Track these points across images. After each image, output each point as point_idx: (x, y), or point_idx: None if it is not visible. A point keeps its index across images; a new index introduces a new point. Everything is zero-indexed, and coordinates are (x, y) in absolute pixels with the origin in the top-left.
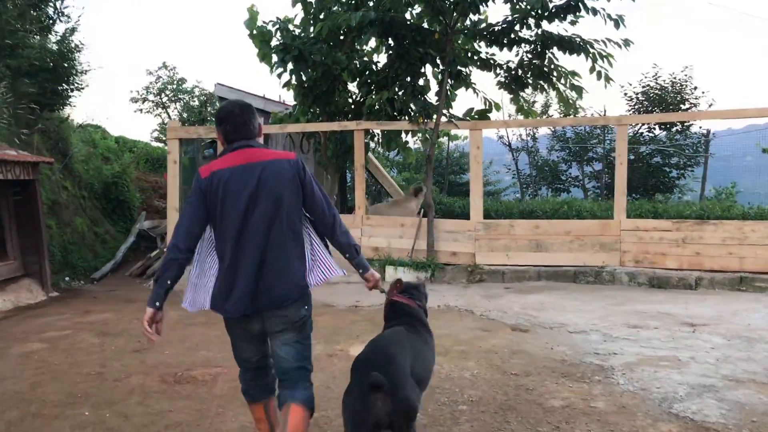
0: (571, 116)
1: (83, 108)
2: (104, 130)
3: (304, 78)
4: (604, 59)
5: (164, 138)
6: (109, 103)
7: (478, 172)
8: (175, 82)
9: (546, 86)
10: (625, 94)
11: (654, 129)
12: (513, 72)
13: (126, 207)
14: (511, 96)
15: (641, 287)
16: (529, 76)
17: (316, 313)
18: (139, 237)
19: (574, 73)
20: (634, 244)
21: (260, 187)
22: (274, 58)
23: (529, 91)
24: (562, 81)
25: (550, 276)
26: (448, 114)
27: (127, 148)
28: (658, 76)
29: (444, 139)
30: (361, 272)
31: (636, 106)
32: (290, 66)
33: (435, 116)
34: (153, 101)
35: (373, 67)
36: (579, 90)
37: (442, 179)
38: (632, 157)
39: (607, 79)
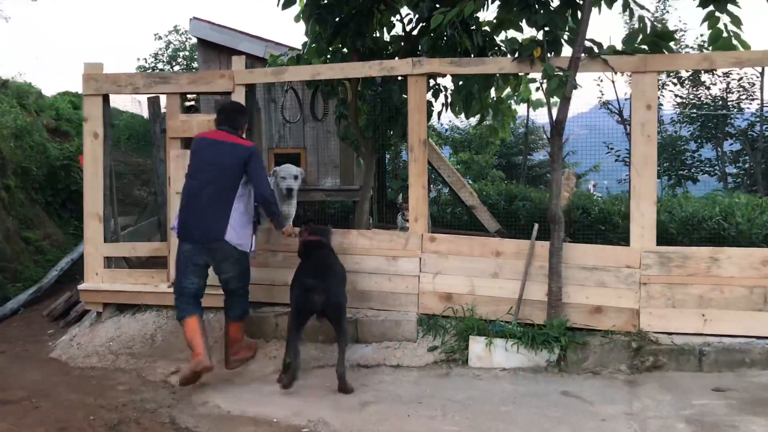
0: None
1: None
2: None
3: None
4: None
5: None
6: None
7: (649, 155)
8: (188, 49)
9: None
10: None
11: None
12: None
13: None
14: (709, 12)
15: None
16: None
17: None
18: (132, 234)
19: None
20: None
21: (216, 158)
22: None
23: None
24: None
25: None
26: (592, 45)
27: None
28: None
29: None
30: (278, 229)
31: None
32: None
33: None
34: (163, 70)
35: None
36: None
37: (506, 162)
38: None
39: None
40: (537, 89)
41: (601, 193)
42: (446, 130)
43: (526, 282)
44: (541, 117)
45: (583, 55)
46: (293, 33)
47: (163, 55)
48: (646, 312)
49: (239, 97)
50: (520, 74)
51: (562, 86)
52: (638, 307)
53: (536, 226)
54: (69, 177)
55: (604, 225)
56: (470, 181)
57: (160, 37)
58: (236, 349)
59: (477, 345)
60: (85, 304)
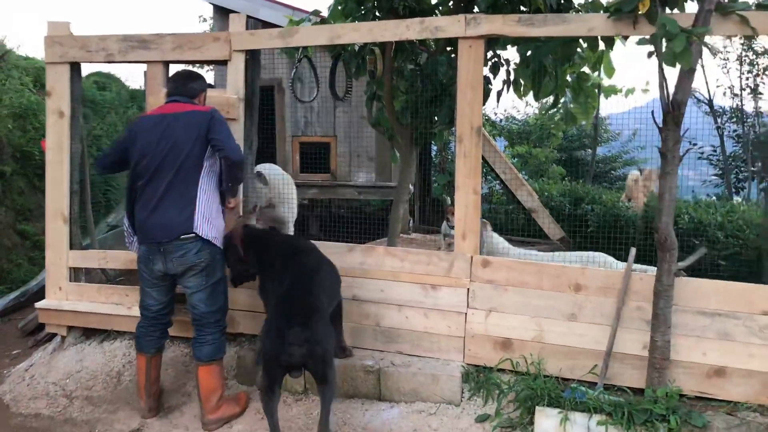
0: None
1: None
2: (117, 81)
3: None
4: None
5: None
6: None
7: None
8: None
9: None
10: None
11: None
12: None
13: (94, 189)
14: None
15: None
16: None
17: None
18: (117, 237)
19: None
20: None
21: (167, 134)
22: None
23: None
24: None
25: None
26: None
27: (137, 103)
28: None
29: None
30: (229, 195)
31: None
32: None
33: None
34: None
35: None
36: None
37: (567, 157)
38: None
39: None
40: (650, 55)
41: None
42: (501, 120)
43: (618, 329)
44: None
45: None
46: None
47: None
48: None
49: (237, 66)
50: (614, 39)
51: (688, 49)
52: None
53: (633, 251)
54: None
55: (697, 238)
56: (527, 178)
57: (204, 20)
58: (214, 402)
59: (546, 420)
60: (46, 326)
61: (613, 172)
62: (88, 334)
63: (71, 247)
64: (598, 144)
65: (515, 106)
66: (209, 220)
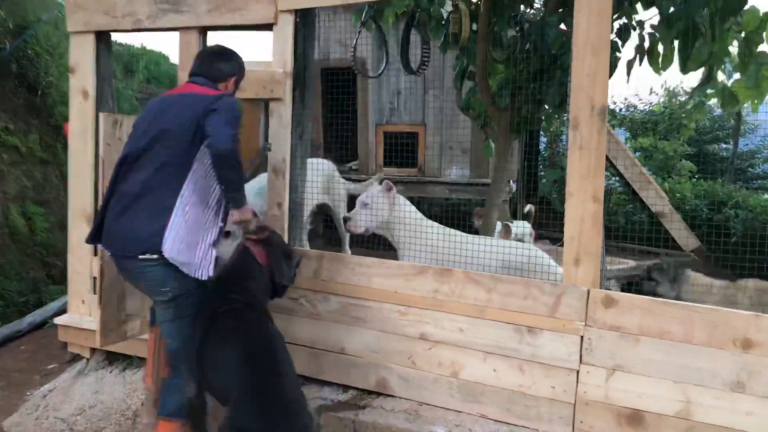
0: None
1: None
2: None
3: None
4: None
5: None
6: None
7: None
8: None
9: None
10: None
11: None
12: None
13: None
14: None
15: None
16: None
17: None
18: None
19: None
20: None
21: (160, 120)
22: None
23: None
24: None
25: None
26: None
27: None
28: None
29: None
30: (231, 206)
31: None
32: None
33: None
34: None
35: None
36: None
37: (696, 151)
38: None
39: None
40: None
41: None
42: (620, 108)
43: None
44: None
45: None
46: None
47: None
48: None
49: (284, 31)
50: None
51: None
52: None
53: None
54: None
55: None
56: (652, 175)
57: None
58: None
59: None
60: (68, 346)
61: (751, 169)
62: (111, 358)
63: (96, 253)
64: (743, 135)
65: (637, 93)
66: (183, 238)
